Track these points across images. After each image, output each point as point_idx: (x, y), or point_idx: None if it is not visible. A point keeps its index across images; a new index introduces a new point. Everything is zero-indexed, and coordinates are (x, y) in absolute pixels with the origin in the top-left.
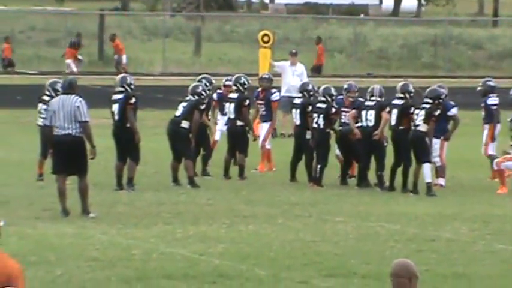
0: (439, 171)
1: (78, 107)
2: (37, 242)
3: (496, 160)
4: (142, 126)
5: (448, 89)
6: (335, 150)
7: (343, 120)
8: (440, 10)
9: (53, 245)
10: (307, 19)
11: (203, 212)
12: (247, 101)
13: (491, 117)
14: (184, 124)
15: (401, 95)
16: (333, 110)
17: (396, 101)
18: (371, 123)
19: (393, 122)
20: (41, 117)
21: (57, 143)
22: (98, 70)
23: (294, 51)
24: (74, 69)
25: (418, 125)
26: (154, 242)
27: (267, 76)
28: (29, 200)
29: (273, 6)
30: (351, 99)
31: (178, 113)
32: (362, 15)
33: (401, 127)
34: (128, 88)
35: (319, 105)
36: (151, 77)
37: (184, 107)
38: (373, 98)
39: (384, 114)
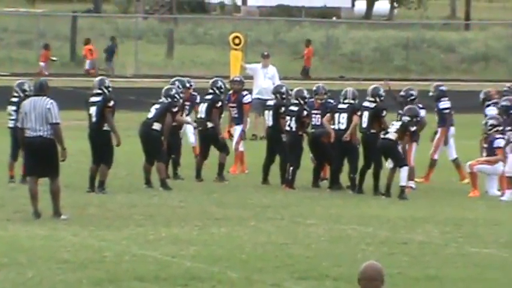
0: (409, 174)
1: (49, 108)
2: (8, 244)
3: (469, 163)
4: None
5: (419, 92)
6: (310, 153)
7: (313, 123)
8: (413, 13)
9: (24, 247)
10: (280, 22)
11: (175, 214)
12: (220, 103)
13: (443, 121)
14: (156, 126)
15: (372, 99)
16: (305, 113)
17: (367, 104)
18: (343, 126)
19: (364, 125)
20: (11, 119)
21: (28, 144)
22: (70, 72)
23: (265, 53)
24: (46, 72)
25: (387, 133)
26: (126, 244)
27: (238, 78)
28: (0, 201)
29: (246, 8)
30: (319, 101)
31: (150, 115)
32: (334, 18)
33: (372, 130)
34: (106, 90)
35: (291, 108)
36: (124, 79)
37: (156, 109)
38: (346, 101)
39: (355, 117)
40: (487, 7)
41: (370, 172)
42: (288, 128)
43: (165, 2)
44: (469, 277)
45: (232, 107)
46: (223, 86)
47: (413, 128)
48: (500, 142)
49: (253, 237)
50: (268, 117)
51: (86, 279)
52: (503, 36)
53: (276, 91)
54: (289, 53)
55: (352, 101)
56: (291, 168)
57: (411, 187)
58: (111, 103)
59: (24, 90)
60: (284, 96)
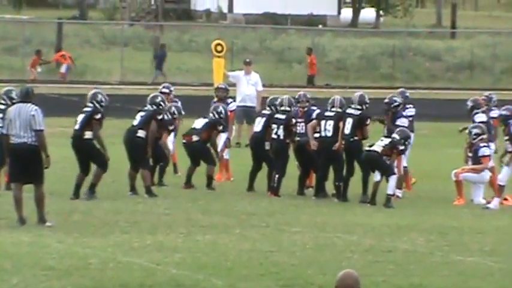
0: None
1: (33, 115)
2: None
3: (454, 171)
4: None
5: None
6: (295, 161)
7: (298, 131)
8: (399, 22)
9: (9, 254)
10: (266, 29)
11: (160, 221)
12: (99, 115)
13: (409, 128)
14: (141, 134)
15: (359, 106)
16: (293, 121)
17: (352, 111)
18: (330, 133)
19: (347, 132)
20: None
21: (13, 151)
22: (55, 79)
23: (247, 60)
24: (31, 76)
25: (372, 145)
26: (111, 251)
27: (223, 86)
28: None
29: (232, 16)
30: (302, 109)
31: (135, 122)
32: (320, 26)
33: (355, 138)
34: (98, 105)
35: (278, 116)
36: (109, 86)
37: (142, 116)
38: (333, 109)
39: (341, 125)
40: (472, 16)
41: (354, 179)
42: (274, 136)
43: (151, 9)
44: (453, 285)
45: None
46: (103, 100)
47: (401, 148)
48: (485, 151)
49: (238, 245)
50: (258, 123)
51: (71, 286)
52: (488, 44)
53: (271, 103)
54: (274, 60)
55: (339, 109)
56: (277, 175)
57: (397, 196)
58: (98, 116)
59: (11, 98)
60: (278, 108)
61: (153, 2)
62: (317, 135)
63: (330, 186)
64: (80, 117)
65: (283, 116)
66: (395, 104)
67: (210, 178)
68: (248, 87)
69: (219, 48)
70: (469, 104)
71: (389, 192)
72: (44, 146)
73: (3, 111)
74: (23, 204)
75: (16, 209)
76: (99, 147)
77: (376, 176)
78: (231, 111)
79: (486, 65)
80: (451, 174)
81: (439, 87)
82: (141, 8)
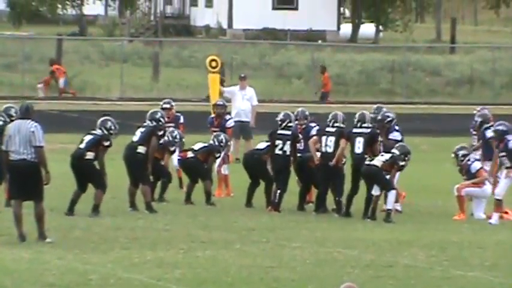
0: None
1: (33, 132)
2: None
3: (456, 186)
4: None
5: (406, 115)
6: (295, 176)
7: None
8: (398, 37)
9: (10, 270)
10: (265, 45)
11: (160, 237)
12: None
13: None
14: (141, 149)
15: (369, 124)
16: (300, 137)
17: (361, 130)
18: (330, 149)
19: (358, 150)
20: None
21: (12, 167)
22: (55, 95)
23: (242, 75)
24: (41, 94)
25: (372, 159)
26: (112, 267)
27: (221, 103)
28: None
29: (231, 31)
30: (300, 126)
31: (135, 138)
32: (320, 42)
33: (366, 156)
34: (106, 132)
35: (283, 132)
36: (109, 102)
37: (142, 132)
38: (336, 125)
39: (342, 141)
40: (472, 30)
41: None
42: (279, 152)
43: (151, 25)
44: None
45: (215, 131)
46: (113, 128)
47: (402, 163)
48: (476, 166)
49: (239, 260)
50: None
51: None
52: (488, 59)
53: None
54: (274, 75)
55: (341, 125)
56: (279, 191)
57: (397, 210)
58: (107, 143)
59: (10, 116)
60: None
61: (152, 18)
62: (318, 153)
63: (330, 201)
64: (88, 137)
65: (288, 132)
66: (389, 119)
67: (208, 194)
68: (243, 102)
69: (213, 64)
70: (478, 119)
71: (389, 207)
72: (44, 162)
73: (1, 128)
74: (23, 220)
75: (16, 225)
76: (99, 169)
77: (376, 191)
78: (229, 127)
79: (486, 79)
80: (452, 189)
81: (438, 102)
82: (141, 24)
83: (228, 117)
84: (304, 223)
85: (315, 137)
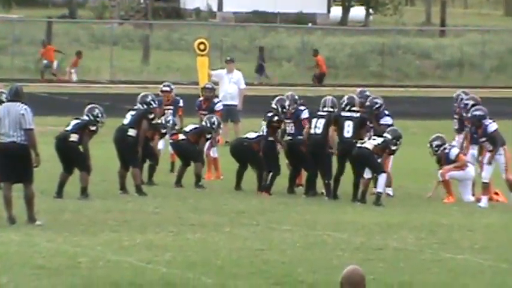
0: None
1: (23, 114)
2: None
3: (440, 171)
4: None
5: (395, 98)
6: (285, 159)
7: (288, 131)
8: (388, 20)
9: None
10: (255, 28)
11: (150, 220)
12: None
13: None
14: (131, 132)
15: (355, 108)
16: (276, 118)
17: (349, 114)
18: (319, 131)
19: (347, 134)
20: None
21: (2, 150)
22: (46, 77)
23: (229, 58)
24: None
25: (363, 143)
26: (101, 249)
27: (209, 86)
28: None
29: (221, 14)
30: (290, 110)
31: (126, 121)
32: (310, 24)
33: (355, 140)
34: (93, 118)
35: (268, 114)
36: (99, 85)
37: (132, 115)
38: (325, 109)
39: (331, 129)
40: (462, 13)
41: (344, 177)
42: (262, 133)
43: (141, 7)
44: (443, 283)
45: (204, 114)
46: (100, 115)
47: (394, 147)
48: (454, 152)
49: (229, 243)
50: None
51: (61, 285)
52: (478, 42)
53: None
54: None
55: (331, 109)
56: (271, 173)
57: (388, 194)
58: (93, 128)
59: (0, 101)
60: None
61: (142, 1)
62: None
63: (320, 184)
64: (74, 122)
65: (269, 114)
66: (377, 106)
67: (197, 176)
68: (230, 86)
69: (202, 46)
70: (469, 102)
71: (379, 190)
72: (34, 144)
73: None
74: (13, 203)
75: (5, 208)
76: (83, 152)
77: (367, 173)
78: (218, 111)
79: (476, 62)
80: (437, 175)
81: (428, 85)
82: (131, 7)
83: (216, 100)
84: (294, 206)
85: (308, 127)
